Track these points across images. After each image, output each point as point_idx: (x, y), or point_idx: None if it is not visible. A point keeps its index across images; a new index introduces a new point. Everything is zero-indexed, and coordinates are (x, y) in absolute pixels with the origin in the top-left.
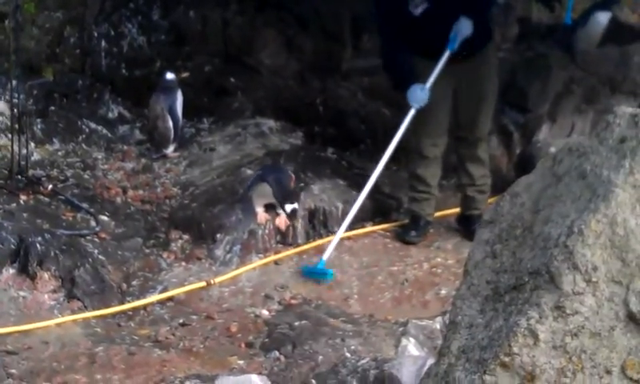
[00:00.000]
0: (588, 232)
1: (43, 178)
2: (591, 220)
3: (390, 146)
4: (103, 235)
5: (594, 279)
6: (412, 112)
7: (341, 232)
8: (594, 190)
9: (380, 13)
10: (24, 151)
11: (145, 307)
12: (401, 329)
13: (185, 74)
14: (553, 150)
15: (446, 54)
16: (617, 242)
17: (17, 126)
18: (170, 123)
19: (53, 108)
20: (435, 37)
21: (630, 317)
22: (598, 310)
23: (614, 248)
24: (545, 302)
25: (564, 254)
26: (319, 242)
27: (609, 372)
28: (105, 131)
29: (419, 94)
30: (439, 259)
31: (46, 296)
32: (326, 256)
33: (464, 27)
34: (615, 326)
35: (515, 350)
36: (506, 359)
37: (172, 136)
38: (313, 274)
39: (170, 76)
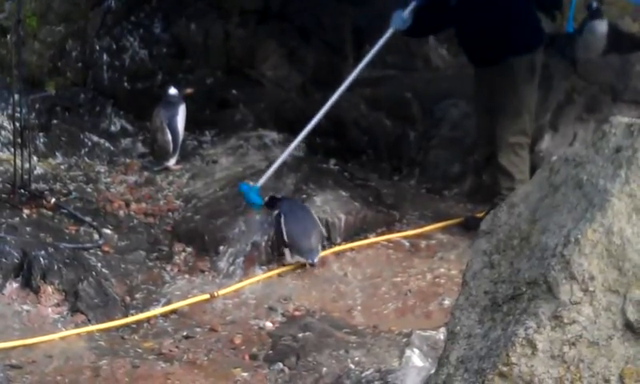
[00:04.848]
0: (585, 241)
1: (46, 192)
2: (588, 229)
3: (366, 58)
4: (106, 248)
5: (591, 288)
6: (389, 32)
7: (282, 158)
8: (591, 200)
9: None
10: (27, 165)
11: (148, 320)
12: (404, 340)
13: (189, 91)
14: (555, 159)
15: None
16: (613, 251)
17: (19, 140)
18: (169, 136)
19: (55, 122)
20: (468, 31)
21: (628, 326)
22: (596, 320)
23: (610, 257)
24: (542, 311)
25: (561, 264)
26: (322, 253)
27: (607, 381)
28: (107, 144)
29: (399, 17)
30: (442, 270)
31: (49, 310)
32: (260, 183)
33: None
34: (613, 335)
35: (513, 359)
36: (505, 369)
37: (171, 149)
38: (245, 195)
39: (172, 91)
